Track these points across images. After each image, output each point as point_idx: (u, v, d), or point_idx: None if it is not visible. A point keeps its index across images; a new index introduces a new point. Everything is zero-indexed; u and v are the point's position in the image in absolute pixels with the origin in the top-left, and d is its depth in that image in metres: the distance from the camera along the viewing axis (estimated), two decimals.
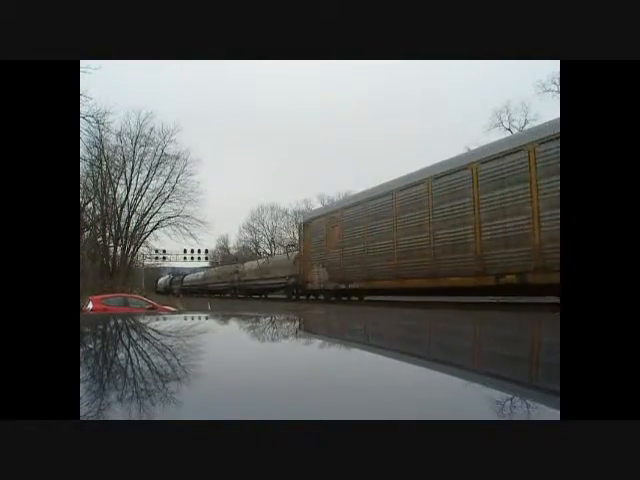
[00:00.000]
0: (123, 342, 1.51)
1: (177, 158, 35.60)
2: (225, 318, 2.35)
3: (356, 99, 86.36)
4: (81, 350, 1.16)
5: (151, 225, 36.86)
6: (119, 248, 34.60)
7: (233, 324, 2.11)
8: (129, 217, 35.50)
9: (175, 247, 58.17)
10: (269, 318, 2.32)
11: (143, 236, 37.02)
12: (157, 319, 2.27)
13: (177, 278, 63.42)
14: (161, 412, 0.70)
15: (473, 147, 17.90)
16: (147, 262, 51.79)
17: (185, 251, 55.73)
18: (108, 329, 1.82)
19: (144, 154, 35.30)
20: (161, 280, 70.12)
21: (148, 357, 1.18)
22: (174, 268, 65.40)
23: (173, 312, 5.68)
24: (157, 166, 35.58)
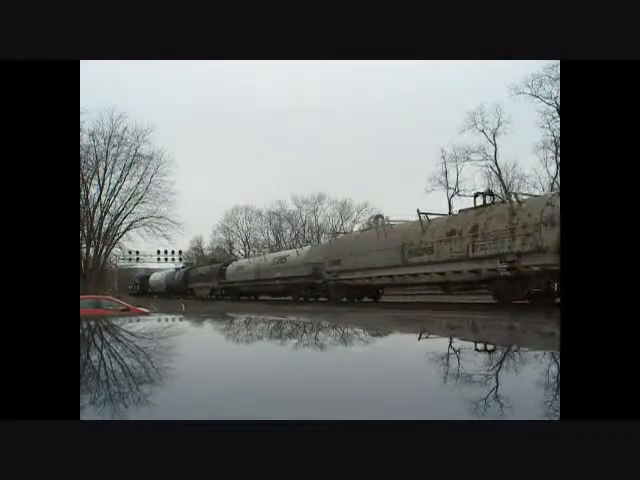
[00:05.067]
0: (122, 343, 1.51)
1: (151, 158, 34.89)
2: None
3: (329, 102, 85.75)
4: (81, 351, 1.16)
5: (124, 226, 36.30)
6: (91, 249, 34.12)
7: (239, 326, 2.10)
8: (102, 218, 35.04)
9: (148, 248, 47.61)
10: None
11: (116, 237, 36.45)
12: (158, 320, 2.27)
13: (203, 269, 38.58)
14: (161, 412, 0.70)
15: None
16: (120, 263, 48.39)
17: (159, 252, 49.29)
18: (107, 330, 1.82)
19: (117, 154, 34.65)
20: (157, 277, 49.67)
21: (147, 358, 1.18)
22: (147, 269, 54.27)
23: (147, 314, 5.66)
24: (130, 166, 34.93)
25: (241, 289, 31.32)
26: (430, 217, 16.45)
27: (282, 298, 26.74)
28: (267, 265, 28.27)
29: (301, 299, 23.53)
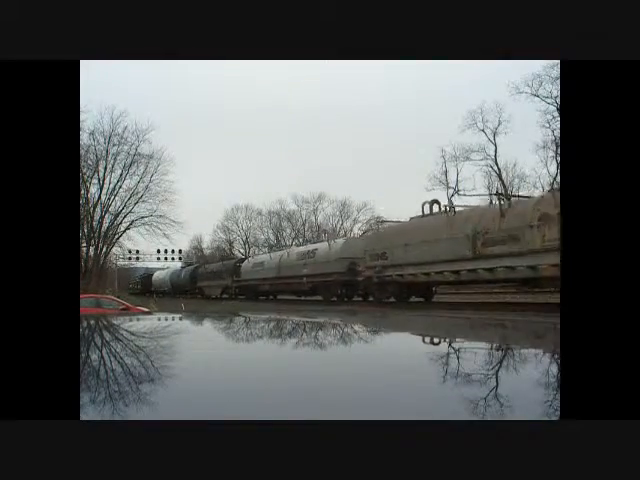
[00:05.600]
0: (122, 342, 1.51)
1: (151, 157, 34.94)
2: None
3: (330, 102, 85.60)
4: (81, 350, 1.16)
5: (124, 225, 36.14)
6: (91, 248, 33.91)
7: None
8: (102, 217, 34.89)
9: (148, 247, 46.55)
10: None
11: (116, 236, 36.33)
12: (157, 320, 2.27)
13: (214, 266, 35.63)
14: (161, 412, 0.70)
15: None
16: (120, 262, 48.12)
17: (159, 251, 48.41)
18: (107, 329, 1.82)
19: (117, 153, 34.65)
20: (161, 275, 47.47)
21: (148, 357, 1.18)
22: (147, 268, 53.88)
23: (149, 312, 5.60)
24: (131, 165, 34.96)
25: (259, 288, 27.92)
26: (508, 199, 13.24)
27: (309, 298, 23.83)
28: (291, 261, 24.71)
29: (333, 299, 20.43)
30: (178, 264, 49.54)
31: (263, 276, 27.41)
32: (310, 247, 25.34)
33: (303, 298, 24.81)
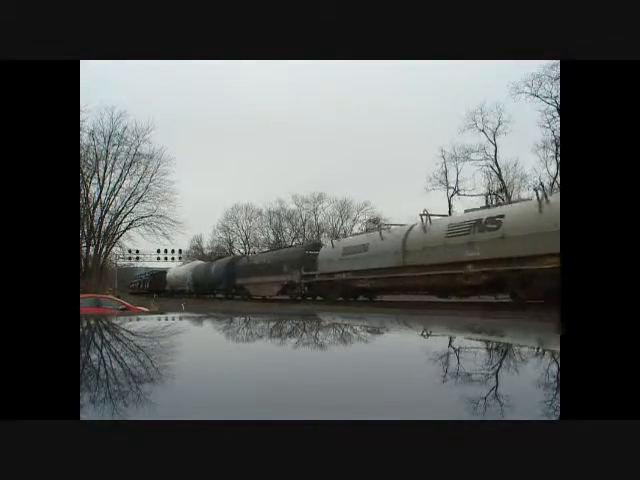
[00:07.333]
0: (123, 342, 1.51)
1: (151, 157, 35.00)
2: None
3: (336, 104, 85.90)
4: (81, 350, 1.16)
5: (124, 225, 36.05)
6: (91, 248, 33.93)
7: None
8: (102, 217, 34.88)
9: (148, 247, 46.68)
10: None
11: (116, 236, 36.29)
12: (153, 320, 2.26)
13: (268, 257, 26.49)
14: (161, 412, 0.70)
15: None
16: (120, 262, 47.85)
17: (159, 251, 48.44)
18: (108, 329, 1.82)
19: (117, 153, 34.77)
20: (179, 272, 39.98)
21: (148, 357, 1.18)
22: (147, 268, 53.58)
23: (147, 313, 5.54)
24: (131, 165, 35.03)
25: (355, 284, 18.18)
26: None
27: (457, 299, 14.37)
28: (432, 239, 14.79)
29: (540, 301, 11.62)
30: (178, 264, 48.96)
31: (366, 266, 17.54)
32: (482, 213, 14.34)
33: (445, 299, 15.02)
